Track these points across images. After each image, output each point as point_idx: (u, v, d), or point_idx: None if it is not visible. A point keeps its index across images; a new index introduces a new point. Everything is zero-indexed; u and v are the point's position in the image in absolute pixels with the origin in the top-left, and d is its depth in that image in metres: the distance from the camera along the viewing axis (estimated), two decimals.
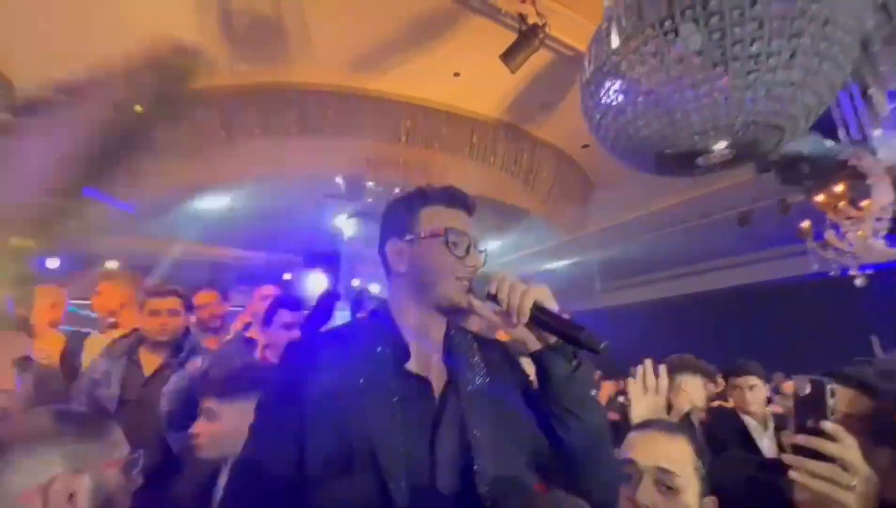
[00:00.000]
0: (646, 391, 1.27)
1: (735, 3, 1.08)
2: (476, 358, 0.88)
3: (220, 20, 3.37)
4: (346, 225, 6.17)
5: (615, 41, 1.25)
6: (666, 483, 0.91)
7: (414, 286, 0.87)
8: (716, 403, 4.01)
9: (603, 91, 1.36)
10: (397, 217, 0.90)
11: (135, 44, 3.50)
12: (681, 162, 1.37)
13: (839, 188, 3.10)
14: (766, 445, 2.45)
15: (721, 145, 1.28)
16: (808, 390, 0.75)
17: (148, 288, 2.10)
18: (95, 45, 3.47)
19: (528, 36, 3.37)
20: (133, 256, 6.36)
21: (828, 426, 0.71)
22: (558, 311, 0.80)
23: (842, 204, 3.04)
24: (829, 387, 0.73)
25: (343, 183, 5.42)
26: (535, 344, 0.82)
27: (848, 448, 0.70)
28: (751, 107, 1.16)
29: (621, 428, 1.17)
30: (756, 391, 2.49)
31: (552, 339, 0.81)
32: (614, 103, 1.34)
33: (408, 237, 0.87)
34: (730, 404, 2.93)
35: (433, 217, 0.87)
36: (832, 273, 3.33)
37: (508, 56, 3.41)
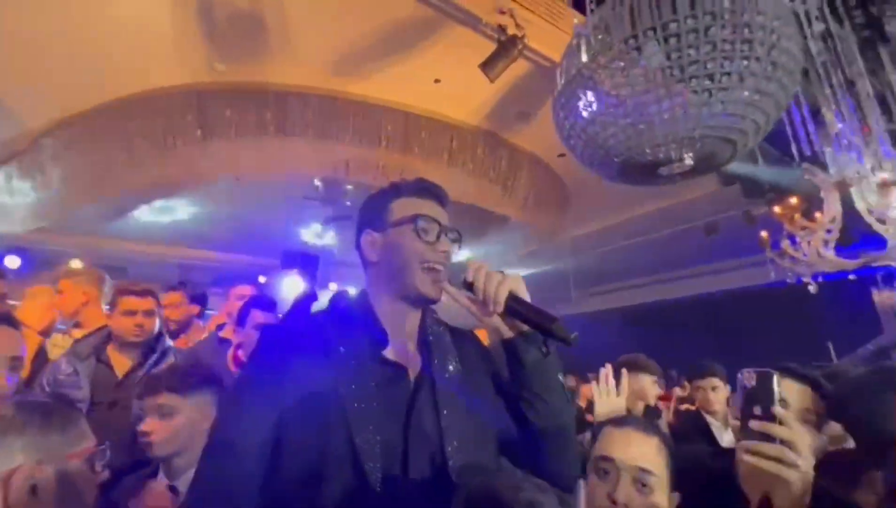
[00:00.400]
0: (607, 393, 1.38)
1: (691, 27, 1.17)
2: (450, 348, 0.91)
3: (198, 17, 3.34)
4: (325, 229, 6.13)
5: (584, 56, 1.32)
6: (643, 482, 0.94)
7: (385, 276, 0.89)
8: (683, 406, 4.16)
9: (573, 103, 1.44)
10: (371, 210, 0.93)
11: (110, 38, 3.44)
12: (644, 172, 1.46)
13: (795, 201, 3.30)
14: (727, 442, 2.57)
15: (682, 156, 1.37)
16: (754, 381, 0.81)
17: (123, 286, 1.98)
18: (71, 40, 3.39)
19: (506, 46, 3.46)
20: (100, 255, 6.17)
21: (778, 410, 0.78)
22: (532, 302, 0.83)
23: (797, 216, 3.23)
24: (775, 377, 0.80)
25: (322, 186, 5.39)
26: (507, 332, 0.86)
27: (793, 430, 0.77)
28: (706, 121, 1.25)
29: (596, 429, 1.20)
30: (717, 391, 2.61)
31: (524, 327, 0.85)
32: (583, 115, 1.42)
33: (380, 227, 0.90)
34: (694, 406, 3.06)
35: (404, 207, 0.90)
36: (788, 281, 3.52)
37: (487, 65, 3.49)
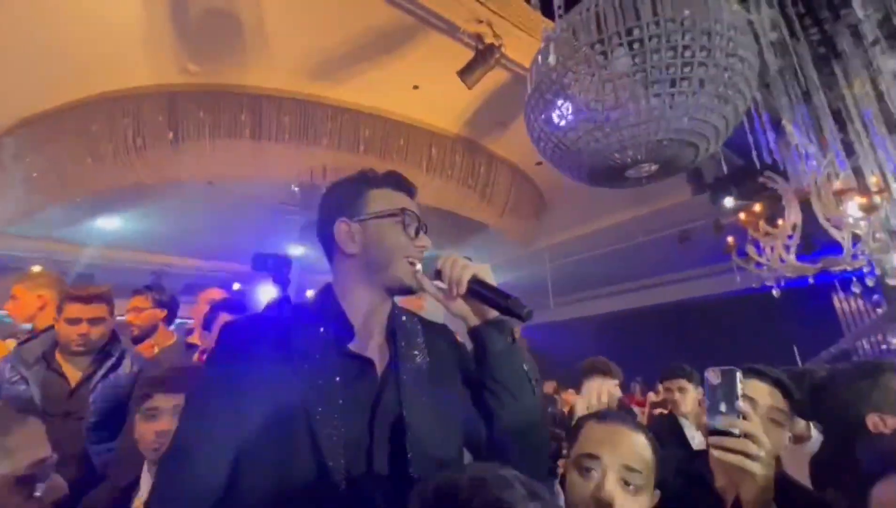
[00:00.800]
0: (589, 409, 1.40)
1: (654, 33, 1.22)
2: (419, 340, 0.89)
3: (170, 17, 3.28)
4: (302, 235, 6.05)
5: (552, 60, 1.36)
6: (630, 481, 0.89)
7: (364, 268, 0.87)
8: (657, 411, 4.23)
9: (542, 106, 1.47)
10: (345, 199, 0.90)
11: (78, 36, 3.35)
12: (612, 174, 1.50)
13: (758, 208, 3.45)
14: (698, 443, 2.62)
15: (646, 159, 1.41)
16: (719, 379, 0.84)
17: (69, 291, 1.83)
18: (36, 37, 3.29)
19: (484, 54, 3.51)
20: (66, 261, 5.93)
21: (741, 405, 0.80)
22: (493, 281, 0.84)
23: (761, 223, 3.36)
24: (738, 374, 0.82)
25: (298, 191, 5.33)
26: (473, 320, 0.86)
27: (755, 424, 0.80)
28: (669, 125, 1.30)
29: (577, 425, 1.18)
30: (686, 392, 2.66)
31: (490, 314, 0.85)
32: (552, 117, 1.45)
33: (360, 218, 0.87)
34: (667, 410, 3.11)
35: (384, 199, 0.88)
36: (754, 286, 3.65)
37: (465, 73, 3.54)
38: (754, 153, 2.36)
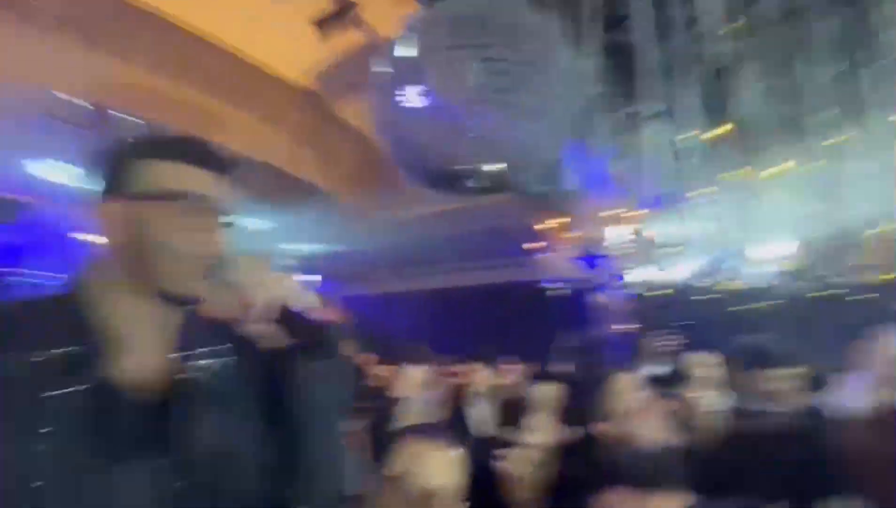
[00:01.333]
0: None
1: (503, 56, 1.31)
2: (207, 350, 0.72)
3: None
4: (72, 162, 4.68)
5: (409, 51, 1.34)
6: (441, 497, 0.93)
7: (130, 264, 0.65)
8: (455, 388, 4.73)
9: (393, 94, 1.44)
10: (118, 169, 0.67)
11: None
12: (450, 181, 1.57)
13: (560, 220, 4.22)
14: (475, 422, 2.94)
15: (484, 172, 1.53)
16: (514, 393, 1.01)
17: None
18: None
19: (343, 8, 3.31)
20: None
21: (524, 421, 0.97)
22: (306, 306, 0.72)
23: (560, 231, 4.14)
24: (530, 389, 0.99)
25: (80, 104, 4.10)
26: (277, 340, 0.72)
27: (536, 434, 0.97)
28: (507, 142, 1.43)
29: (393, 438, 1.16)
30: (476, 374, 2.98)
31: (296, 337, 0.72)
32: (403, 109, 1.44)
33: (129, 197, 0.65)
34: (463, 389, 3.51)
35: (169, 175, 0.65)
36: (544, 280, 4.48)
37: (321, 23, 3.31)
38: (564, 177, 2.87)
